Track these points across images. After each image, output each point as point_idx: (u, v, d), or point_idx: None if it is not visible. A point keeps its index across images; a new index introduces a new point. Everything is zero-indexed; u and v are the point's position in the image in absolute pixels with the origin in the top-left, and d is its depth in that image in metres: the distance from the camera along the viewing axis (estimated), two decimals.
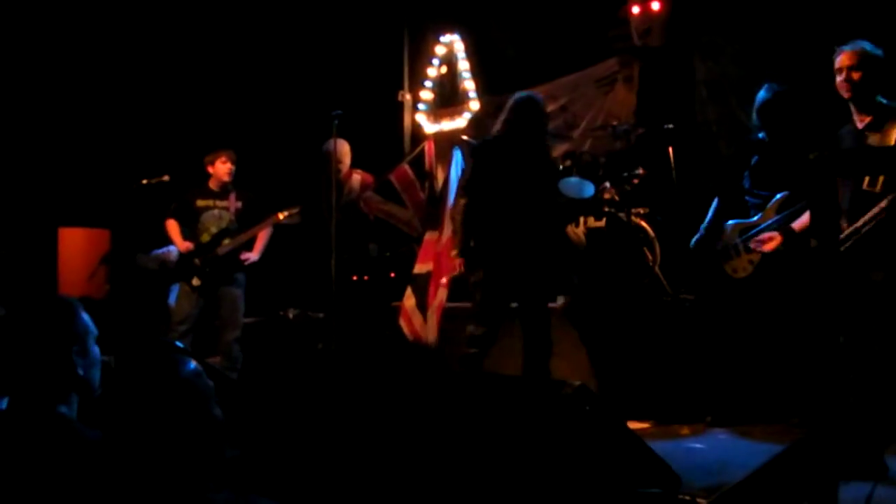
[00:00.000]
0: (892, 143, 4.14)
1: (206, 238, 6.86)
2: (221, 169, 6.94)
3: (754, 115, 5.49)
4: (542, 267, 5.66)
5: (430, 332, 6.57)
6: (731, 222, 5.49)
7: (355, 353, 6.72)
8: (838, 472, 2.40)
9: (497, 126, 5.81)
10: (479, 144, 6.00)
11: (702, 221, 5.68)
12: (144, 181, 7.05)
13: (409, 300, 6.78)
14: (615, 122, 7.31)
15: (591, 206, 6.91)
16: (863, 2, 6.43)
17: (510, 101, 5.75)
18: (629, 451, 3.54)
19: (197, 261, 6.80)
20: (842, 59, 4.31)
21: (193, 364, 1.89)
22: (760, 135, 5.48)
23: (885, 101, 4.30)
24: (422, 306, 6.67)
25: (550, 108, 8.52)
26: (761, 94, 5.45)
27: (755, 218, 5.35)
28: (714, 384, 5.56)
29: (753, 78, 6.47)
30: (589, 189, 6.79)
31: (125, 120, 8.94)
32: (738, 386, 5.44)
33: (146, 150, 8.53)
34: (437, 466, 3.39)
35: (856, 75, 4.25)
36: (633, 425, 5.21)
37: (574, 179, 6.80)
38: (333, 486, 3.53)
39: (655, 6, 7.76)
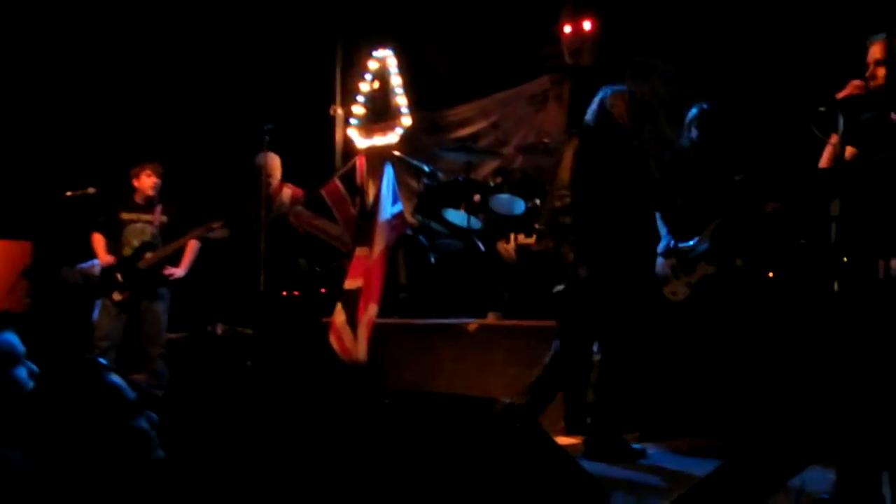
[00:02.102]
0: None
1: (128, 252, 6.74)
2: (146, 182, 6.83)
3: (693, 131, 5.53)
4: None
5: (360, 349, 6.52)
6: (664, 245, 5.54)
7: (285, 370, 6.64)
8: (768, 489, 2.43)
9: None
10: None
11: (630, 239, 5.72)
12: (69, 193, 6.92)
13: (340, 316, 6.72)
14: (546, 140, 7.35)
15: (522, 223, 6.94)
16: (793, 21, 6.56)
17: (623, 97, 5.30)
18: (558, 468, 3.54)
19: (118, 275, 6.67)
20: (871, 52, 3.79)
21: (116, 378, 1.84)
22: (685, 142, 5.55)
23: None
24: (352, 322, 6.62)
25: (482, 124, 8.59)
26: (698, 107, 5.52)
27: (692, 242, 5.40)
28: (643, 400, 5.61)
29: (682, 97, 6.58)
30: (520, 206, 6.82)
31: (49, 130, 8.74)
32: (666, 401, 5.49)
33: (71, 161, 8.34)
34: (367, 485, 3.35)
35: (881, 71, 3.68)
36: (562, 441, 5.23)
37: (505, 196, 6.83)
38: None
39: (587, 26, 7.84)
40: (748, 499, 2.39)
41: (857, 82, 3.76)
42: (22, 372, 2.28)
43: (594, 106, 5.31)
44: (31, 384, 2.24)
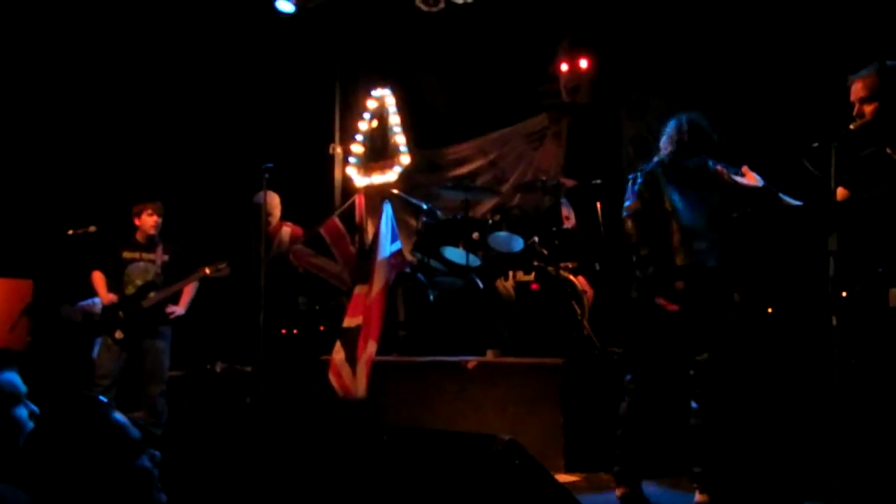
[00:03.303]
0: None
1: (130, 290, 6.75)
2: (148, 221, 6.86)
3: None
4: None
5: (359, 386, 6.52)
6: None
7: (284, 408, 6.63)
8: None
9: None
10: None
11: (629, 275, 5.74)
12: (70, 231, 6.95)
13: (339, 354, 6.73)
14: (544, 178, 7.39)
15: (521, 261, 6.97)
16: (786, 57, 6.63)
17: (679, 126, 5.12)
18: None
19: (121, 313, 6.68)
20: (854, 90, 3.83)
21: (120, 416, 1.85)
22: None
23: None
24: (351, 360, 6.62)
25: (480, 162, 8.66)
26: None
27: None
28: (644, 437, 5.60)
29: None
30: (518, 243, 6.86)
31: (50, 168, 8.79)
32: (666, 439, 5.48)
33: (72, 200, 8.38)
34: None
35: (868, 108, 3.77)
36: (562, 478, 5.22)
37: (503, 234, 6.87)
38: None
39: (583, 64, 7.93)
40: None
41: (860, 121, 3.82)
42: (22, 412, 2.27)
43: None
44: (30, 425, 2.24)
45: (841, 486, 3.38)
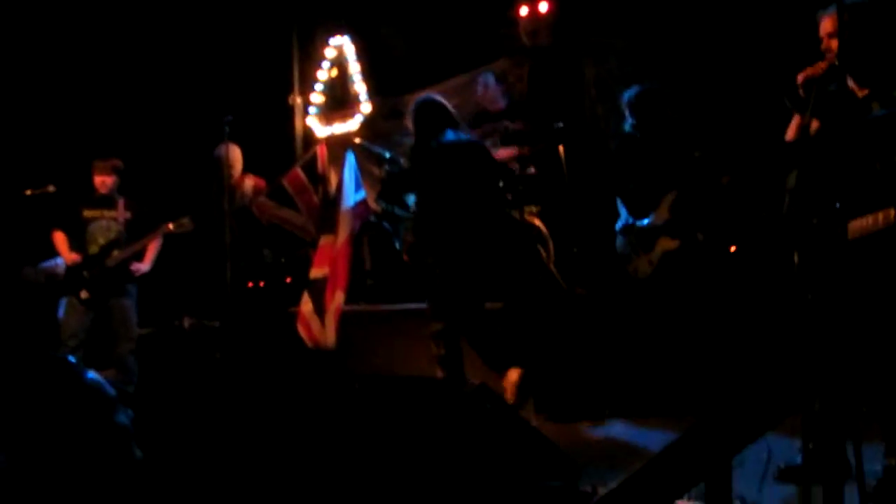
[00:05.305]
0: None
1: (94, 249, 6.70)
2: (107, 181, 6.80)
3: (626, 112, 5.63)
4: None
5: (328, 337, 6.53)
6: (623, 223, 5.60)
7: (254, 361, 6.65)
8: (732, 451, 2.49)
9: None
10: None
11: (593, 218, 5.80)
12: (28, 192, 6.85)
13: (307, 305, 6.72)
14: (507, 123, 7.38)
15: None
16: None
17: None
18: (530, 446, 3.60)
19: (85, 273, 6.63)
20: (822, 27, 3.82)
21: (94, 374, 1.85)
22: (627, 126, 5.62)
23: None
24: (319, 311, 6.62)
25: None
26: (629, 92, 5.60)
27: (648, 219, 5.46)
28: (612, 377, 5.68)
29: (640, 75, 6.64)
30: None
31: (4, 128, 8.63)
32: (635, 378, 5.56)
33: (28, 159, 8.25)
34: (341, 470, 3.39)
35: (835, 44, 3.70)
36: (535, 419, 5.29)
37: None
38: (236, 496, 3.49)
39: (543, 7, 7.87)
40: (713, 461, 2.45)
41: (821, 64, 3.81)
42: None
43: None
44: None
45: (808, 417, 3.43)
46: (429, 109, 5.91)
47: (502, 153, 7.01)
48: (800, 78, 3.78)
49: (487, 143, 6.68)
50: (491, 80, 7.60)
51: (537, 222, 6.85)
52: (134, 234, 6.79)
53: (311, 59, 9.18)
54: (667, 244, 5.38)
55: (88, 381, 1.85)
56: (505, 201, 6.38)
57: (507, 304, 6.09)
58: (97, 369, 6.23)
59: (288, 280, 7.71)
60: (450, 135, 5.75)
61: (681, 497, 3.22)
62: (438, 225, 5.70)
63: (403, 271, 7.10)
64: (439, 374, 5.49)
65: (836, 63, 3.72)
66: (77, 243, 6.75)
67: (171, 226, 6.72)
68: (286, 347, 6.81)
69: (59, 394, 1.82)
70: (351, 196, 6.88)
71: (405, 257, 6.49)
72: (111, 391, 1.87)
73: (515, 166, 7.05)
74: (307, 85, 9.14)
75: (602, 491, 3.39)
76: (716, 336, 5.34)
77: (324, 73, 9.01)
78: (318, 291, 6.70)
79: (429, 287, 5.73)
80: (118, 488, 1.81)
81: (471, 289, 5.64)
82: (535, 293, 6.34)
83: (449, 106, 5.99)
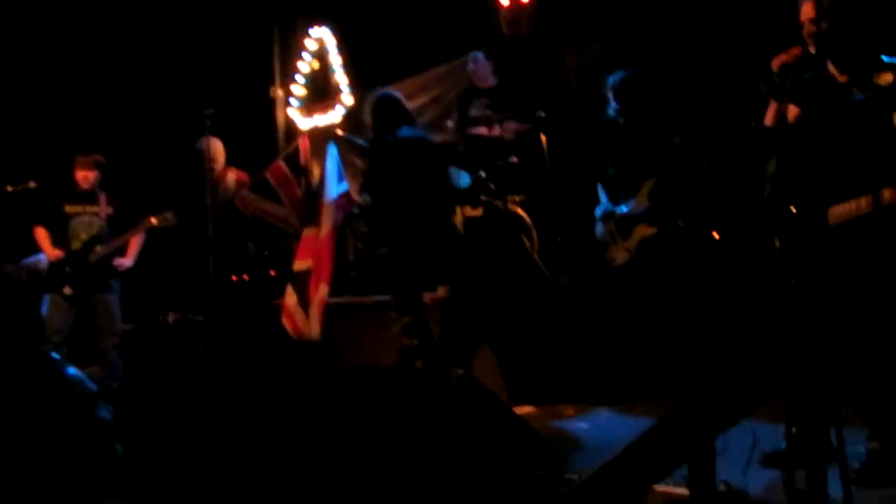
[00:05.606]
0: None
1: (76, 245, 6.68)
2: (89, 176, 6.77)
3: (610, 97, 5.65)
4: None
5: (312, 329, 6.54)
6: (602, 210, 5.62)
7: (238, 354, 6.65)
8: (713, 434, 2.50)
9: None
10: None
11: (576, 207, 5.81)
12: (9, 188, 6.82)
13: (291, 297, 6.73)
14: (488, 112, 7.38)
15: (468, 196, 6.98)
16: None
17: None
18: (514, 435, 3.61)
19: (68, 269, 6.61)
20: (804, 11, 3.77)
21: (74, 370, 1.84)
22: (611, 112, 5.64)
23: (887, 58, 3.71)
24: (304, 303, 6.64)
25: (423, 100, 8.58)
26: (614, 77, 5.62)
27: (626, 206, 5.48)
28: (596, 365, 5.70)
29: (620, 62, 6.64)
30: (465, 179, 6.86)
31: None
32: (619, 366, 5.59)
33: (8, 156, 8.20)
34: (326, 462, 3.39)
35: (816, 28, 3.65)
36: (518, 409, 5.31)
37: (450, 170, 6.86)
38: (221, 491, 3.50)
39: None
40: (692, 445, 2.47)
41: (794, 50, 3.81)
42: None
43: None
44: None
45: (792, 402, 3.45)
46: (386, 105, 6.03)
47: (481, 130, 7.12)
48: (775, 64, 3.78)
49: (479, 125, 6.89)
50: (481, 56, 7.64)
51: (520, 212, 6.87)
52: (116, 229, 6.77)
53: (292, 51, 9.16)
54: (644, 231, 5.40)
55: (69, 377, 1.85)
56: (451, 196, 6.50)
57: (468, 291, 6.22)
58: (81, 366, 6.23)
59: (272, 273, 7.70)
60: (405, 131, 5.84)
61: (662, 481, 3.24)
62: (391, 216, 5.85)
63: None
64: (418, 364, 5.54)
65: (812, 51, 3.73)
66: (59, 239, 6.72)
67: (153, 220, 6.70)
68: (271, 340, 6.81)
69: (38, 389, 1.82)
70: (334, 188, 6.89)
71: (359, 245, 6.54)
72: (92, 386, 1.87)
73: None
74: (288, 77, 9.12)
75: None
76: (698, 323, 5.36)
77: (305, 65, 8.99)
78: (302, 284, 6.71)
79: (387, 280, 5.85)
80: (98, 484, 1.81)
81: (419, 278, 5.82)
82: (519, 282, 6.37)
83: (406, 103, 6.22)
